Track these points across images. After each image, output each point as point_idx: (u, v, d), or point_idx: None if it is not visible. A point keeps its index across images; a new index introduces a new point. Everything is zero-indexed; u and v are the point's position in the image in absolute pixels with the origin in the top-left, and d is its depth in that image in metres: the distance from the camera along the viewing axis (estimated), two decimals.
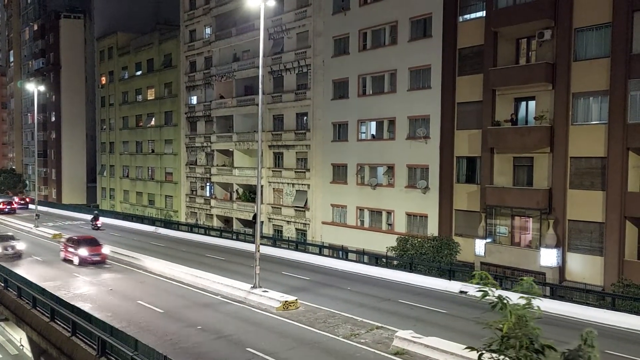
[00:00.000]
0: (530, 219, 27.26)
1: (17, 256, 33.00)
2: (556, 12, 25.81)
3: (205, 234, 42.62)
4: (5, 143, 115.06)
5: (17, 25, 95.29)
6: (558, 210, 25.95)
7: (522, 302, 8.58)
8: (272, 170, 42.47)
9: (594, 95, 25.16)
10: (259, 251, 23.74)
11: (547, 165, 26.51)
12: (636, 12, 23.63)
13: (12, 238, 35.01)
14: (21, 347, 28.57)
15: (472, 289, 23.89)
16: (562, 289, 24.20)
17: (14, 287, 23.99)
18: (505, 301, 8.51)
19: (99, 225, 46.69)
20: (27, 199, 68.52)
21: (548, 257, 25.88)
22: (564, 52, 25.72)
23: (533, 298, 8.61)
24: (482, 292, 8.80)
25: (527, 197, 26.90)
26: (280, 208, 41.73)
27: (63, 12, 75.67)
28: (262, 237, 30.76)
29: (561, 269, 25.96)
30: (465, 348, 9.34)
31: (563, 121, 25.78)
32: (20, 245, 33.94)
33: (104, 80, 68.46)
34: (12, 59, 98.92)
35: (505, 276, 25.19)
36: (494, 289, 8.74)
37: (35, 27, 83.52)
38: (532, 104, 27.42)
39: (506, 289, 11.69)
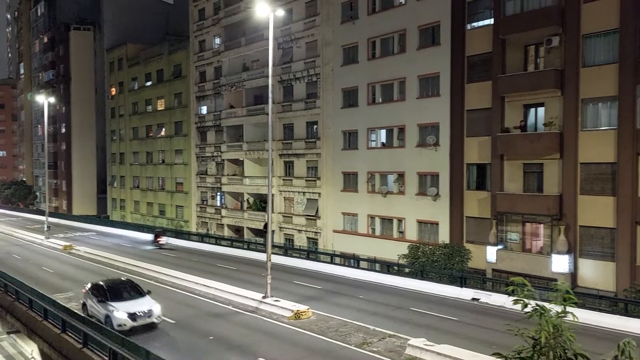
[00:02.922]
0: (541, 225, 27.15)
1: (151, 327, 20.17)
2: (564, 19, 25.85)
3: (216, 243, 42.72)
4: (15, 155, 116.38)
5: (27, 37, 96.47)
6: (569, 216, 25.84)
7: (557, 308, 8.43)
8: (283, 179, 42.60)
9: (602, 101, 25.10)
10: (270, 260, 23.79)
11: (557, 171, 26.44)
12: None
13: (136, 290, 21.15)
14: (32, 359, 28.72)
15: (484, 296, 23.95)
16: (575, 295, 23.99)
17: (25, 298, 24.11)
18: (542, 312, 8.31)
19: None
20: None
21: (560, 264, 25.75)
22: (572, 58, 25.71)
23: (570, 306, 8.46)
24: (520, 302, 8.53)
25: (537, 203, 26.81)
26: (291, 217, 41.81)
27: (73, 24, 76.48)
28: (273, 246, 30.76)
29: (573, 275, 25.81)
30: (493, 354, 9.21)
31: (572, 127, 25.73)
32: (155, 308, 20.30)
33: (113, 91, 69.09)
34: (22, 71, 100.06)
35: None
36: (530, 300, 8.52)
37: (45, 40, 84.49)
38: (541, 110, 27.39)
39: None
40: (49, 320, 21.46)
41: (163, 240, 42.01)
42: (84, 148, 76.39)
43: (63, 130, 78.29)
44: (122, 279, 23.16)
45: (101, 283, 21.66)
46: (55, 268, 33.79)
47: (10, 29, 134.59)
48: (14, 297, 25.39)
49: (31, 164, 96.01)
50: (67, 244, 42.48)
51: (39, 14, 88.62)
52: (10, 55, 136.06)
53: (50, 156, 74.86)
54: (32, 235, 49.31)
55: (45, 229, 47.55)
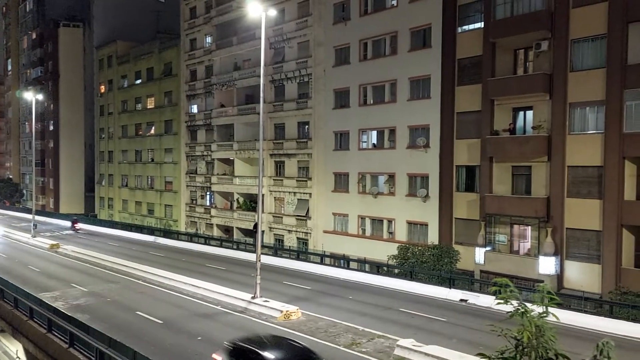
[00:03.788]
0: (529, 227, 27.42)
1: None
2: (553, 24, 26.13)
3: (205, 243, 42.60)
4: (2, 152, 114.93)
5: (15, 33, 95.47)
6: (556, 218, 26.13)
7: (539, 309, 8.57)
8: (274, 179, 42.57)
9: (590, 105, 25.41)
10: (259, 261, 23.80)
11: (545, 174, 26.73)
12: (631, 23, 23.94)
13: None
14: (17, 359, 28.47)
15: (472, 297, 24.14)
16: (560, 296, 24.26)
17: (10, 297, 23.90)
18: (524, 310, 8.45)
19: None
20: None
21: (546, 265, 26.02)
22: (561, 62, 26.00)
23: (551, 306, 8.60)
24: (502, 301, 8.68)
25: (525, 205, 27.09)
26: (282, 217, 41.80)
27: (62, 20, 75.84)
28: (263, 246, 30.75)
29: (559, 276, 26.10)
30: (477, 354, 9.36)
31: (560, 131, 26.02)
32: None
33: (103, 88, 68.60)
34: (10, 67, 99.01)
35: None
36: (513, 300, 8.68)
37: (34, 36, 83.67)
38: (529, 113, 27.67)
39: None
40: (35, 320, 21.28)
41: (79, 225, 54.34)
42: (72, 146, 75.80)
43: (51, 127, 77.60)
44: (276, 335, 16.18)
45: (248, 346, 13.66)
46: (41, 267, 33.51)
47: None
48: None
49: (18, 162, 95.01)
50: (54, 242, 42.13)
51: (27, 10, 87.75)
52: None
53: (37, 154, 74.15)
54: (18, 233, 48.84)
55: (32, 227, 47.10)
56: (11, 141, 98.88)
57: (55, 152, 76.70)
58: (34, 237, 45.50)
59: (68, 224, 56.61)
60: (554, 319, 8.70)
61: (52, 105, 76.58)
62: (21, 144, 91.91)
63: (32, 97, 51.69)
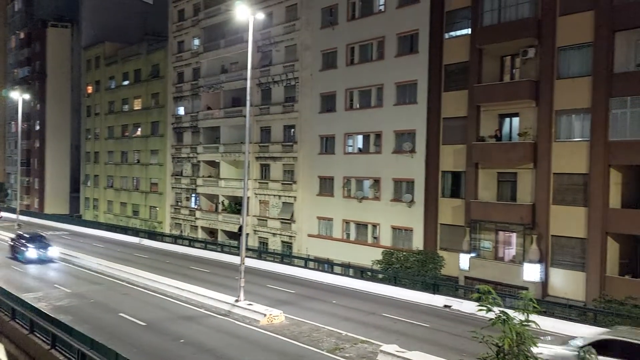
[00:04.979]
0: (514, 234, 27.50)
1: None
2: (540, 31, 26.31)
3: (189, 245, 42.27)
4: None
5: (3, 33, 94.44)
6: (541, 225, 26.22)
7: (520, 317, 8.55)
8: (259, 182, 42.42)
9: (576, 112, 25.58)
10: (244, 264, 23.64)
11: (531, 180, 26.84)
12: (617, 32, 24.15)
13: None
14: None
15: (456, 303, 24.13)
16: (544, 303, 24.35)
17: None
18: (505, 318, 8.43)
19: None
20: None
21: (531, 272, 26.08)
22: (547, 70, 26.18)
23: (533, 314, 8.58)
24: (484, 308, 8.65)
25: (510, 212, 27.16)
26: (266, 220, 41.62)
27: (50, 20, 75.12)
28: (247, 249, 30.61)
29: (544, 284, 26.17)
30: None
31: (546, 138, 26.16)
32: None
33: (90, 89, 68.06)
34: None
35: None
36: (494, 307, 8.67)
37: (22, 36, 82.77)
38: (516, 120, 27.81)
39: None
40: (17, 321, 20.95)
41: (1, 214, 61.82)
42: (58, 146, 74.99)
43: (37, 127, 76.76)
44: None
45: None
46: (25, 267, 33.02)
47: None
48: None
49: (3, 161, 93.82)
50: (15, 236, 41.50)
51: (15, 10, 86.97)
52: None
53: (23, 153, 73.17)
54: (1, 233, 48.07)
55: (16, 227, 46.42)
56: None
57: (41, 152, 75.87)
58: None
59: (55, 224, 55.99)
60: (536, 326, 8.67)
61: (38, 105, 75.77)
62: (7, 143, 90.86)
63: (18, 96, 51.07)
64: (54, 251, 34.69)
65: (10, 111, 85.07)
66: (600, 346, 12.68)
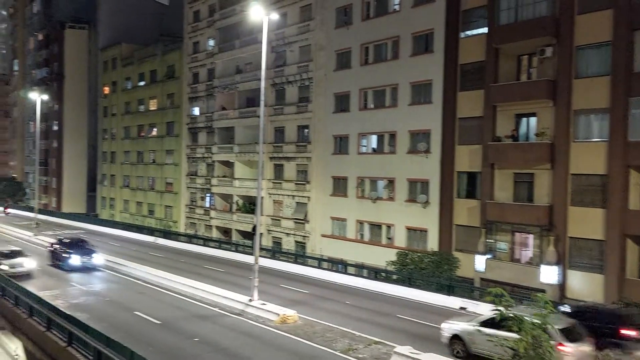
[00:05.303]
0: (531, 235, 27.17)
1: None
2: (558, 30, 25.97)
3: (204, 245, 42.48)
4: (7, 151, 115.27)
5: (22, 34, 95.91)
6: (559, 227, 25.86)
7: (536, 320, 8.39)
8: (273, 182, 42.47)
9: (595, 112, 25.20)
10: (257, 263, 23.64)
11: (548, 181, 26.49)
12: (636, 30, 23.76)
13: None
14: (16, 357, 28.31)
15: (472, 305, 23.87)
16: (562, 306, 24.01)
17: (11, 295, 23.83)
18: (520, 321, 8.27)
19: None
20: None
21: (548, 274, 25.75)
22: (565, 69, 25.82)
23: (548, 315, 8.41)
24: (498, 311, 8.50)
25: (527, 213, 26.84)
26: (280, 220, 41.65)
27: (68, 22, 76.06)
28: (261, 249, 30.62)
29: (561, 286, 25.81)
30: None
31: (564, 138, 25.80)
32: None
33: (106, 90, 68.77)
34: (16, 68, 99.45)
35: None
36: (511, 310, 8.51)
37: (40, 37, 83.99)
38: (533, 120, 27.48)
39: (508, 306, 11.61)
40: (34, 318, 21.18)
41: (9, 210, 66.78)
42: (75, 146, 75.92)
43: (55, 127, 77.80)
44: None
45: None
46: (41, 265, 33.36)
47: (5, 25, 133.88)
48: None
49: (22, 161, 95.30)
50: (55, 241, 41.98)
51: (34, 12, 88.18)
52: (4, 52, 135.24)
53: (41, 153, 74.08)
54: (20, 231, 48.77)
55: (34, 225, 47.04)
56: (16, 140, 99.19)
57: (58, 152, 76.87)
58: (36, 235, 45.39)
59: (71, 223, 56.70)
60: (552, 329, 8.49)
61: (56, 106, 76.78)
62: (25, 143, 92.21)
63: (37, 97, 51.73)
64: (98, 258, 32.08)
65: (29, 112, 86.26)
66: (494, 321, 14.91)
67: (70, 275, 30.05)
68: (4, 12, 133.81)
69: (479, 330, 15.88)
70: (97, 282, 28.93)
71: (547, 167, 26.44)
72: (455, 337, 17.37)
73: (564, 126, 25.82)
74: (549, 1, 26.31)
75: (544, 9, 26.46)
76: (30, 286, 24.72)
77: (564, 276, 25.85)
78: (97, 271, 31.18)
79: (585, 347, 15.31)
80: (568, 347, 14.47)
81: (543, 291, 25.29)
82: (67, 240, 33.96)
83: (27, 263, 30.00)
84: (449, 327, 17.81)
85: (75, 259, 31.09)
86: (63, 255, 31.84)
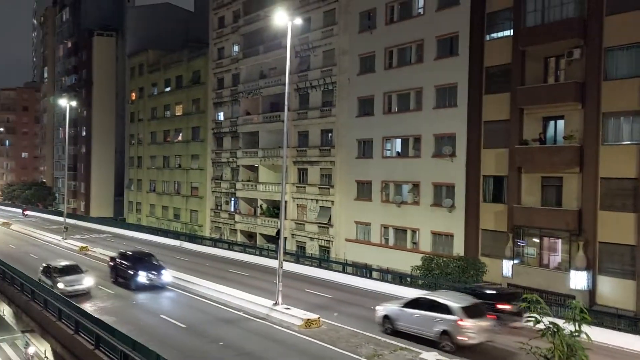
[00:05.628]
0: (560, 240, 26.66)
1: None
2: (586, 31, 25.49)
3: (229, 248, 42.79)
4: (37, 156, 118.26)
5: (52, 42, 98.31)
6: (588, 231, 25.32)
7: (570, 328, 8.19)
8: (296, 186, 42.56)
9: (625, 115, 24.63)
10: (282, 267, 23.68)
11: (577, 185, 25.97)
12: None
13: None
14: (45, 359, 28.89)
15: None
16: (592, 313, 23.45)
17: (40, 298, 24.32)
18: (556, 329, 8.07)
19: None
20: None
21: (578, 280, 25.22)
22: (594, 71, 25.31)
23: (585, 323, 8.21)
24: (533, 319, 8.33)
25: (556, 217, 26.34)
26: (304, 224, 41.70)
27: (96, 30, 77.73)
28: (285, 253, 30.69)
29: (591, 292, 25.24)
30: None
31: (593, 141, 25.28)
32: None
33: (134, 96, 69.89)
34: (46, 75, 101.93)
35: None
36: (542, 317, 8.32)
37: (69, 45, 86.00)
38: (560, 123, 26.99)
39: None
40: (63, 321, 21.56)
41: (27, 212, 71.69)
42: (103, 151, 77.35)
43: (84, 133, 79.43)
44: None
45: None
46: (136, 297, 33.84)
47: (35, 33, 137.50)
48: (29, 296, 25.61)
49: (52, 166, 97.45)
50: (83, 245, 42.85)
51: (63, 20, 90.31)
52: (35, 59, 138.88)
53: (70, 158, 75.77)
54: (50, 235, 49.84)
55: (63, 229, 48.04)
56: (46, 146, 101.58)
57: (87, 157, 78.39)
58: (65, 239, 46.33)
59: (99, 227, 57.75)
60: (586, 338, 8.29)
61: (85, 112, 78.41)
62: (55, 148, 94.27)
63: (66, 103, 52.83)
64: (167, 275, 28.36)
65: (59, 118, 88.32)
66: (416, 303, 19.44)
67: (137, 296, 26.64)
68: (35, 21, 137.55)
69: (401, 310, 19.43)
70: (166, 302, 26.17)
71: (575, 170, 25.92)
72: (385, 317, 20.23)
73: (593, 129, 25.30)
74: (577, 2, 25.87)
75: (572, 10, 26.02)
76: (89, 307, 23.10)
77: (593, 282, 25.28)
78: (166, 291, 27.63)
79: (483, 323, 17.98)
80: (467, 322, 17.52)
81: (572, 297, 24.79)
82: (131, 254, 29.98)
83: (86, 280, 26.86)
84: (381, 309, 20.64)
85: (142, 277, 27.42)
86: (128, 272, 28.06)
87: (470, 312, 17.91)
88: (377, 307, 21.01)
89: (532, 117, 27.75)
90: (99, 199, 77.55)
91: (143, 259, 29.17)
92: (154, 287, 27.45)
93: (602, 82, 25.17)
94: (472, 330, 17.61)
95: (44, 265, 28.48)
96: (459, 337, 17.66)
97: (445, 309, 18.24)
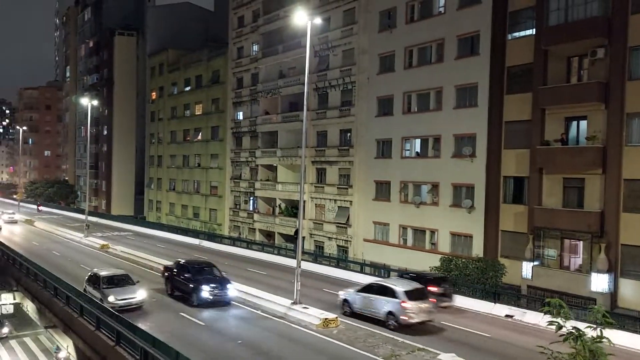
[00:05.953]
0: (581, 242, 26.28)
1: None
2: (610, 30, 25.08)
3: (247, 247, 43.01)
4: (59, 155, 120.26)
5: (74, 42, 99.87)
6: (610, 234, 24.93)
7: (592, 332, 8.07)
8: (315, 186, 42.61)
9: None
10: (300, 267, 23.74)
11: (599, 187, 25.58)
12: None
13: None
14: (68, 355, 29.41)
15: (518, 313, 23.24)
16: (614, 316, 23.05)
17: (62, 295, 24.72)
18: (578, 334, 7.96)
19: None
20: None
21: (599, 283, 24.85)
22: (618, 71, 24.90)
23: (605, 329, 8.10)
24: (555, 323, 8.22)
25: (577, 219, 25.97)
26: (322, 224, 41.74)
27: (117, 29, 78.68)
28: (303, 252, 30.74)
29: (613, 295, 24.86)
30: None
31: (616, 142, 24.87)
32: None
33: (154, 95, 70.63)
34: (68, 74, 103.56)
35: None
36: (564, 320, 8.22)
37: (91, 44, 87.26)
38: (583, 123, 26.61)
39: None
40: (85, 317, 21.89)
41: (41, 208, 76.11)
42: (124, 150, 78.24)
43: (105, 132, 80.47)
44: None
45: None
46: (92, 266, 34.30)
47: (58, 33, 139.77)
48: (52, 293, 26.06)
49: (74, 164, 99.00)
50: (105, 242, 43.44)
51: (85, 19, 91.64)
52: (57, 59, 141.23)
53: (92, 157, 76.94)
54: (72, 233, 50.64)
55: (85, 227, 48.77)
56: (68, 144, 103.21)
57: (108, 155, 79.40)
58: (86, 237, 47.05)
59: (120, 225, 58.58)
60: (608, 343, 8.17)
61: (106, 111, 79.44)
62: (77, 147, 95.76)
63: (87, 102, 53.57)
64: (233, 290, 24.57)
65: (80, 116, 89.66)
66: (369, 288, 22.27)
67: (202, 315, 22.78)
68: (57, 21, 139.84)
69: (357, 295, 22.15)
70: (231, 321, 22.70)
71: (598, 172, 25.53)
72: (345, 301, 22.82)
73: (617, 130, 24.90)
74: (600, 1, 25.45)
75: (596, 9, 25.60)
76: (146, 327, 19.50)
77: (615, 285, 24.89)
78: (232, 308, 23.99)
79: (423, 305, 20.56)
80: (409, 304, 20.23)
81: (593, 300, 24.44)
82: (189, 264, 26.00)
83: (139, 293, 23.51)
84: (342, 294, 23.20)
85: (205, 291, 23.72)
86: (189, 285, 24.35)
87: (412, 295, 20.54)
88: (339, 293, 23.48)
89: (554, 118, 27.39)
90: (119, 197, 78.51)
91: (204, 270, 25.37)
92: (218, 303, 23.91)
93: (626, 82, 24.76)
94: (413, 310, 20.22)
95: (91, 273, 25.42)
96: (401, 317, 20.29)
97: (391, 293, 20.89)
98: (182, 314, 22.86)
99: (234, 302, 24.36)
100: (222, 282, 24.53)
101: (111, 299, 22.54)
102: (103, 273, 24.81)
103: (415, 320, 20.38)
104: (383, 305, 21.03)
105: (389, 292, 21.01)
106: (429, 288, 22.30)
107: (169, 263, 28.55)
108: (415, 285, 21.50)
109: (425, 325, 20.84)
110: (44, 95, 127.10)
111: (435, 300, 21.88)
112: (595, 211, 25.43)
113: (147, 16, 74.18)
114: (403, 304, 20.28)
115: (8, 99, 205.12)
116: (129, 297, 23.05)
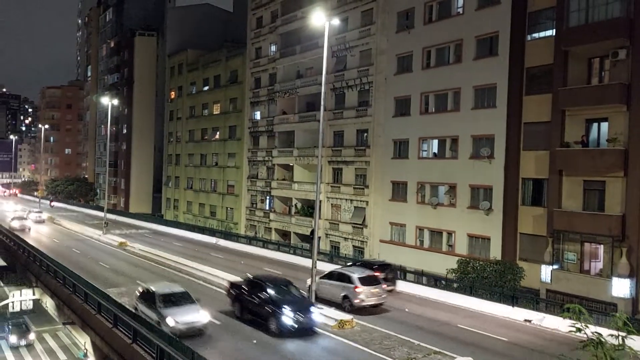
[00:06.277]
0: (602, 245, 25.88)
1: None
2: (632, 31, 24.67)
3: (263, 247, 43.09)
4: (79, 153, 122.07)
5: (95, 42, 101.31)
6: (632, 237, 24.50)
7: (614, 340, 7.92)
8: (331, 186, 42.60)
9: None
10: (315, 267, 23.72)
11: (621, 190, 25.16)
12: None
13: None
14: (85, 351, 29.80)
15: (537, 317, 22.96)
16: (635, 322, 22.66)
17: (81, 292, 25.01)
18: (599, 342, 7.81)
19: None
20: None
21: (620, 288, 24.44)
22: None
23: (630, 334, 7.95)
24: (575, 329, 8.08)
25: (598, 222, 25.59)
26: (338, 224, 41.71)
27: (138, 30, 79.62)
28: (319, 252, 30.72)
29: (634, 300, 24.44)
30: None
31: (638, 144, 24.43)
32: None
33: (173, 94, 71.28)
34: (89, 73, 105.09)
35: None
36: (586, 325, 8.07)
37: (112, 44, 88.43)
38: (604, 125, 26.21)
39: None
40: (102, 314, 22.14)
41: (54, 203, 79.09)
42: (143, 148, 79.15)
43: (124, 130, 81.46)
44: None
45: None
46: (110, 263, 34.98)
47: (80, 33, 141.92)
48: (71, 289, 26.41)
49: (93, 162, 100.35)
50: (123, 240, 43.93)
51: (107, 20, 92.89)
52: (79, 58, 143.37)
53: (111, 155, 77.80)
54: (91, 230, 51.29)
55: (104, 225, 49.37)
56: (88, 143, 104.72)
57: (127, 154, 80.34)
58: (105, 234, 47.64)
59: (138, 222, 59.24)
60: (630, 350, 8.01)
61: (126, 110, 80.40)
62: (97, 145, 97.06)
63: (108, 101, 54.27)
64: (317, 314, 20.45)
65: (101, 115, 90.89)
66: (330, 275, 24.19)
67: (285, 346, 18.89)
68: (80, 21, 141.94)
69: (321, 281, 23.82)
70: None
71: (619, 174, 25.13)
72: (310, 287, 23.57)
73: (639, 132, 24.45)
74: (622, 2, 25.03)
75: (617, 9, 25.20)
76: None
77: (637, 290, 24.47)
78: (318, 337, 19.86)
79: (374, 289, 22.77)
80: (360, 288, 22.34)
81: (614, 305, 24.05)
82: (262, 281, 21.43)
83: (203, 314, 19.66)
84: (308, 281, 24.05)
85: (288, 317, 19.35)
86: (265, 307, 20.11)
87: (365, 280, 22.74)
88: (307, 280, 24.34)
89: (574, 119, 27.02)
90: (138, 195, 79.39)
91: (281, 289, 21.02)
92: (303, 331, 19.67)
93: None
94: (364, 294, 22.39)
95: (142, 289, 21.55)
96: (355, 300, 22.35)
97: (347, 279, 23.00)
98: (261, 343, 18.88)
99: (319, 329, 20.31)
100: (304, 304, 20.51)
101: (170, 321, 18.69)
102: (159, 289, 20.64)
103: (366, 303, 22.47)
104: (340, 290, 23.00)
105: (345, 279, 23.16)
106: (375, 273, 24.52)
107: (237, 279, 24.64)
108: (368, 272, 23.78)
109: (378, 308, 23.13)
110: (65, 94, 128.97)
111: (386, 285, 24.13)
112: (616, 214, 25.02)
113: (167, 17, 74.94)
114: (356, 289, 22.40)
115: (31, 97, 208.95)
116: (192, 321, 19.18)
